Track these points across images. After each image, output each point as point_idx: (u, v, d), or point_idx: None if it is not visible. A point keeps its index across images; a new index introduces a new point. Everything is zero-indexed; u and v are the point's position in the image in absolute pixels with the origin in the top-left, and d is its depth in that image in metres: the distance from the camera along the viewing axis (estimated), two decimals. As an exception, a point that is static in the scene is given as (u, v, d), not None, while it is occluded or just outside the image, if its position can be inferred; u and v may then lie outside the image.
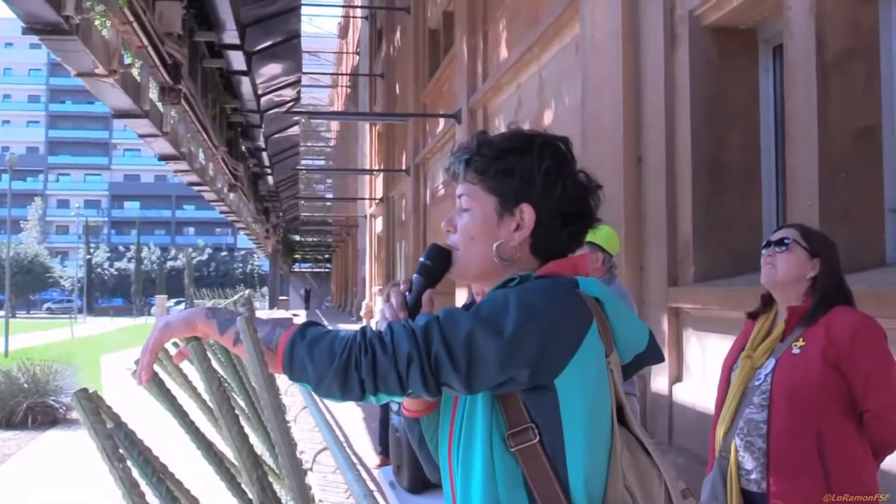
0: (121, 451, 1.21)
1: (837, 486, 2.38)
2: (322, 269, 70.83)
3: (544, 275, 1.47)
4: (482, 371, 1.33)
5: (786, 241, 2.60)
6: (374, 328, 1.40)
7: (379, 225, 27.96)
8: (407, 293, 1.52)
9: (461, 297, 11.85)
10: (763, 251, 2.66)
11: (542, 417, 1.37)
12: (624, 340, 1.51)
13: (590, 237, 3.91)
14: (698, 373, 5.96)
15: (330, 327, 1.43)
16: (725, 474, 2.57)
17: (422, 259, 1.55)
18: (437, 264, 1.53)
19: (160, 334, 1.46)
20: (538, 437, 1.37)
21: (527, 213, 1.48)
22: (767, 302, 2.71)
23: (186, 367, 3.07)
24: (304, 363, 1.36)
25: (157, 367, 1.95)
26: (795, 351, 2.49)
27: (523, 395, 1.38)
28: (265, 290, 57.67)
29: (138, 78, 9.29)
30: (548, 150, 1.51)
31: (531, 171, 1.48)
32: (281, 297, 46.81)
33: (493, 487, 1.38)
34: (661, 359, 1.60)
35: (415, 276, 1.54)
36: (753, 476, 2.52)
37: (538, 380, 1.35)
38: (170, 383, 1.92)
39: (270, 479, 1.56)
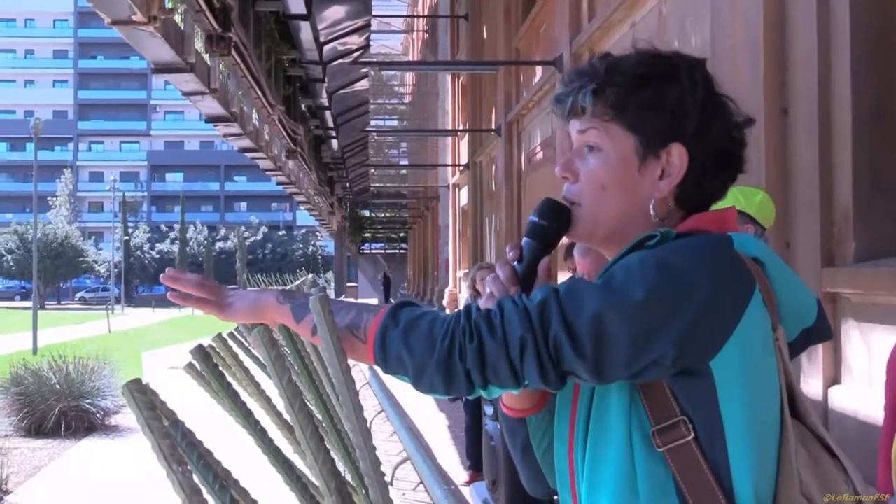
0: (179, 451, 1.25)
1: None
2: (396, 250, 71.37)
3: (687, 231, 1.40)
4: (614, 357, 1.28)
5: None
6: (480, 307, 1.35)
7: (464, 196, 28.02)
8: (516, 263, 1.46)
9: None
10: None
11: (695, 409, 1.32)
12: (790, 311, 1.44)
13: (741, 206, 3.77)
14: (862, 374, 5.82)
15: (426, 307, 1.40)
16: None
17: (533, 218, 1.48)
18: (553, 224, 1.47)
19: (219, 314, 1.51)
20: (693, 433, 1.31)
21: (677, 156, 1.42)
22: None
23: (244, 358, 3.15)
24: (401, 353, 1.34)
25: (215, 360, 2.02)
26: None
27: (670, 381, 1.33)
28: (330, 274, 58.50)
29: (181, 25, 9.47)
30: (699, 74, 1.45)
31: (684, 103, 1.42)
32: (349, 284, 47.38)
33: (635, 498, 1.33)
34: (829, 335, 1.53)
35: (525, 239, 1.48)
36: None
37: (688, 362, 1.30)
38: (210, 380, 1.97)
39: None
